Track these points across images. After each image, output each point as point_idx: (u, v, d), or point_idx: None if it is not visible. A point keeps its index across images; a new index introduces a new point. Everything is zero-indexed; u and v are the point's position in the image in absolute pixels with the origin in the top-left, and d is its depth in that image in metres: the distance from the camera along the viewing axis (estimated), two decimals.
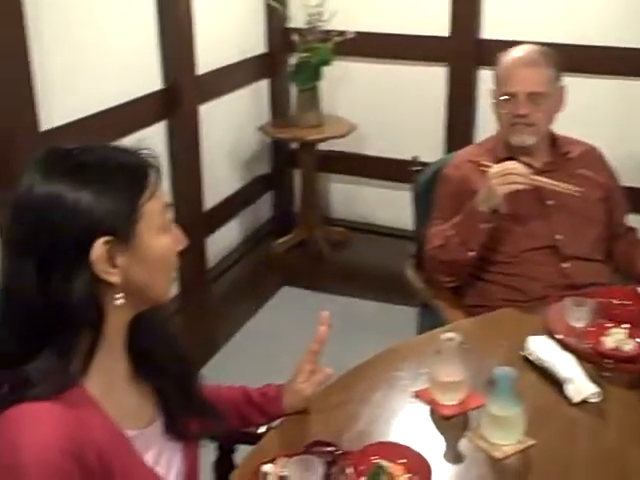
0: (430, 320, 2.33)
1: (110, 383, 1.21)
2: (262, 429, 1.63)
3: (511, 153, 2.22)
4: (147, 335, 1.29)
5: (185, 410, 1.33)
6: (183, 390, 1.33)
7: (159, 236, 1.19)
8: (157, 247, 1.18)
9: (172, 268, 1.24)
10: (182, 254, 1.26)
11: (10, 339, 1.14)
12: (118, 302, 1.16)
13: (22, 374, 1.12)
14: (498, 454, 1.46)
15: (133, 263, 1.16)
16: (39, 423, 1.09)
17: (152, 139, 3.22)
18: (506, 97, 2.17)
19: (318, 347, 1.54)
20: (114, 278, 1.14)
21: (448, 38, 3.87)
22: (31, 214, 1.11)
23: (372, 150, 4.26)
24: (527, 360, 1.74)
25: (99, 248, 1.11)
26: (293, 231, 4.22)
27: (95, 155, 1.16)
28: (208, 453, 1.46)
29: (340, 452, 1.42)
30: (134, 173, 1.17)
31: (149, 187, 1.17)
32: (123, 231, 1.13)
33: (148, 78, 3.27)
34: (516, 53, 2.21)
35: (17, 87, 2.46)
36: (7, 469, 1.08)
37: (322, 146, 4.13)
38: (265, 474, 1.39)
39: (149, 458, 1.25)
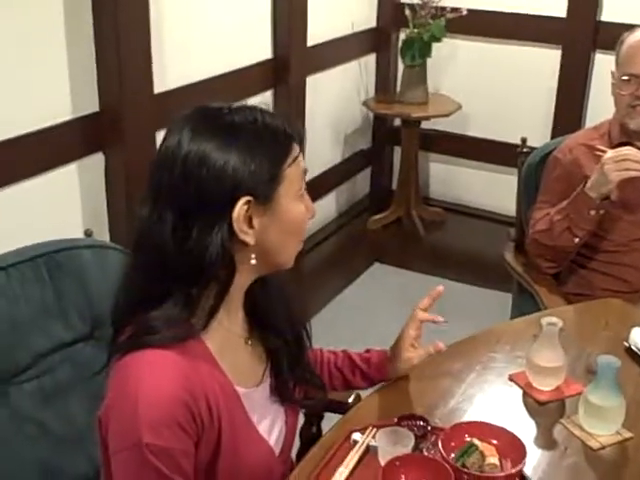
0: (526, 306, 2.29)
1: (226, 341, 1.24)
2: (351, 399, 1.64)
3: (627, 138, 2.13)
4: (267, 298, 1.32)
5: (293, 375, 1.35)
6: (294, 355, 1.35)
7: (295, 202, 1.20)
8: (293, 212, 1.20)
9: (302, 236, 1.25)
10: None
11: (140, 281, 1.18)
12: (253, 262, 1.19)
13: (145, 321, 1.15)
14: (594, 444, 1.43)
15: (269, 225, 1.18)
16: (158, 371, 1.12)
17: None
18: (627, 78, 2.09)
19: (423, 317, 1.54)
20: (249, 238, 1.16)
21: (564, 19, 3.75)
22: (178, 168, 1.14)
23: (475, 131, 4.18)
24: (630, 352, 1.69)
25: (240, 207, 1.13)
26: (389, 208, 4.20)
27: (244, 116, 1.18)
28: None
29: (431, 427, 1.41)
30: (280, 137, 1.18)
31: (292, 152, 1.19)
32: (264, 193, 1.15)
33: (259, 47, 3.31)
34: None
35: (136, 52, 2.53)
36: (124, 411, 1.12)
37: (424, 124, 4.08)
38: (355, 442, 1.40)
39: (254, 417, 1.27)
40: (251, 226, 1.16)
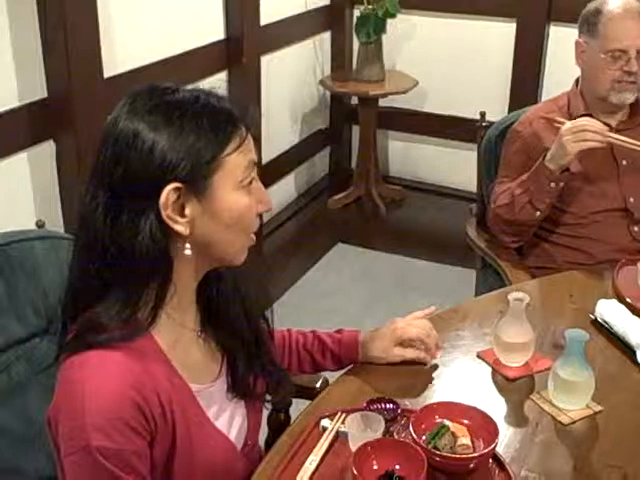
0: (489, 282, 2.29)
1: (178, 336, 1.19)
2: (319, 384, 1.61)
3: (598, 111, 2.11)
4: (220, 294, 1.26)
5: (251, 370, 1.30)
6: (251, 351, 1.30)
7: (237, 193, 1.13)
8: (232, 204, 1.12)
9: (247, 230, 1.18)
10: None
11: (79, 270, 1.14)
12: (187, 252, 1.12)
13: (90, 318, 1.11)
14: (565, 419, 1.42)
15: (203, 216, 1.11)
16: (105, 370, 1.08)
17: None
18: (618, 54, 2.02)
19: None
20: (180, 227, 1.10)
21: None
22: (110, 146, 1.09)
23: (433, 107, 4.16)
24: (596, 324, 1.69)
25: (168, 194, 1.07)
26: (349, 188, 4.18)
27: (185, 96, 1.11)
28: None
29: (401, 410, 1.39)
30: (222, 121, 1.11)
31: (236, 139, 1.11)
32: (196, 180, 1.09)
33: (211, 28, 3.24)
34: (619, 4, 2.04)
35: (83, 35, 2.45)
36: (71, 414, 1.08)
37: (381, 102, 4.05)
38: (324, 429, 1.37)
39: (210, 414, 1.23)
40: (183, 214, 1.09)
